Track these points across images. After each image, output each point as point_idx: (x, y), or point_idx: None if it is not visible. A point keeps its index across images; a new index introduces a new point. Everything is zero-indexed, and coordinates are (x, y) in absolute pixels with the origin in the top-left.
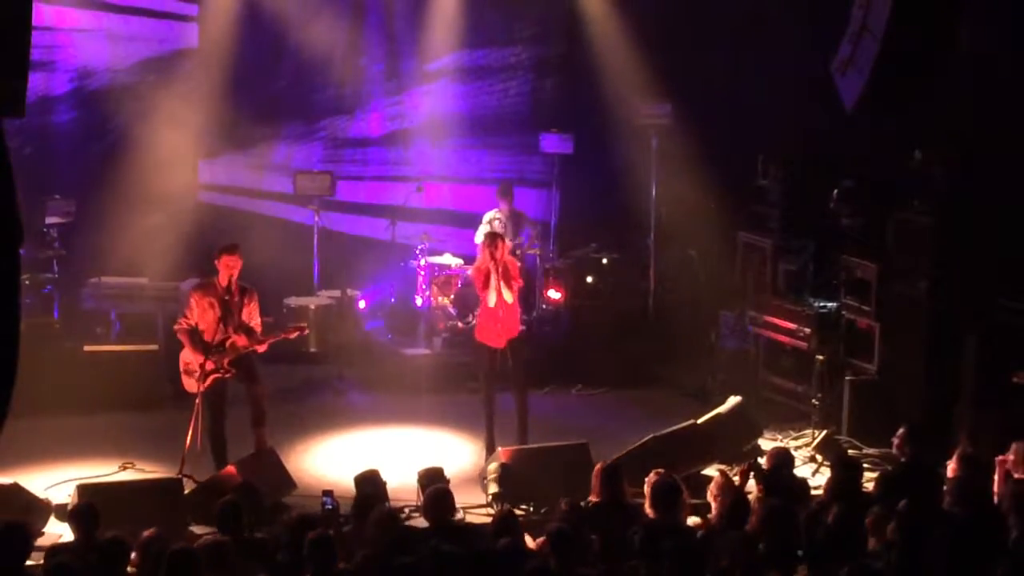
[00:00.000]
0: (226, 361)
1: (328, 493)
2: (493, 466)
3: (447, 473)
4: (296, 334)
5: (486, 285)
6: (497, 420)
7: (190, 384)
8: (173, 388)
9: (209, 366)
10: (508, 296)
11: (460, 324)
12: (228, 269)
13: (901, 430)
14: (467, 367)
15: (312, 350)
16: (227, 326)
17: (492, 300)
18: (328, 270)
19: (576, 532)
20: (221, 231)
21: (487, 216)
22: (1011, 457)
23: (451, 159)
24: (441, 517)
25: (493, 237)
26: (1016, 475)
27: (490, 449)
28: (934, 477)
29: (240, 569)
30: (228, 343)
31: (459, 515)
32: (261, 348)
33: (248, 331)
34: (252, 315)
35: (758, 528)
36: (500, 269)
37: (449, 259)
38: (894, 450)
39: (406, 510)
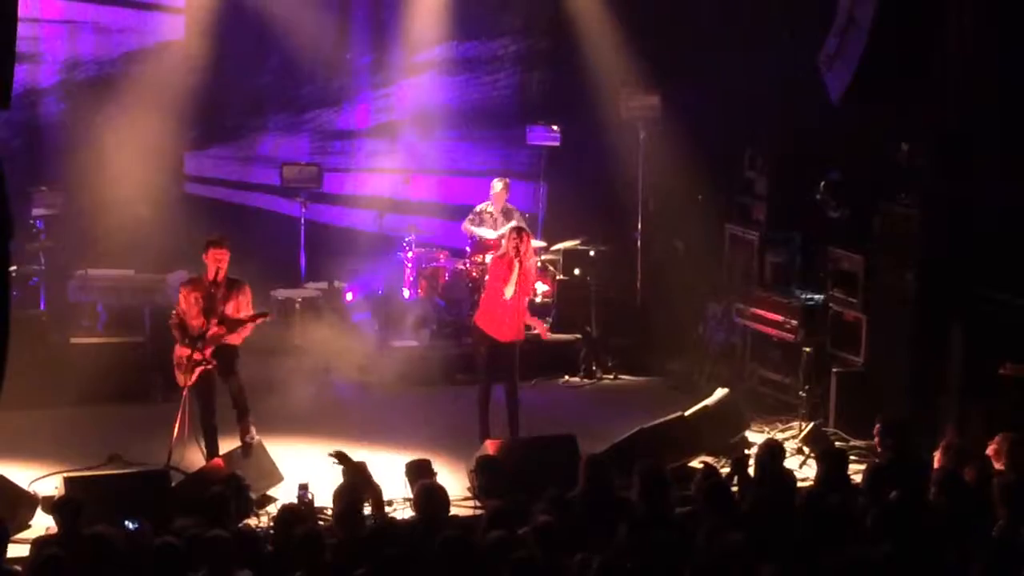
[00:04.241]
0: (207, 352)
1: (304, 487)
2: (480, 458)
3: (435, 465)
4: (260, 320)
5: (506, 277)
6: (490, 412)
7: (180, 378)
8: (160, 380)
9: (195, 357)
10: (509, 292)
11: (449, 317)
12: (215, 262)
13: (877, 424)
14: (455, 359)
15: (298, 342)
16: (209, 319)
17: (509, 293)
18: (315, 262)
19: (562, 523)
20: (207, 223)
21: (479, 208)
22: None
23: (438, 151)
24: (432, 510)
25: (520, 231)
26: (997, 465)
27: (484, 440)
28: (921, 468)
29: (227, 562)
30: (209, 334)
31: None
32: (237, 340)
33: (229, 323)
34: (240, 308)
35: (746, 518)
36: (522, 264)
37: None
38: (876, 446)
39: (393, 503)
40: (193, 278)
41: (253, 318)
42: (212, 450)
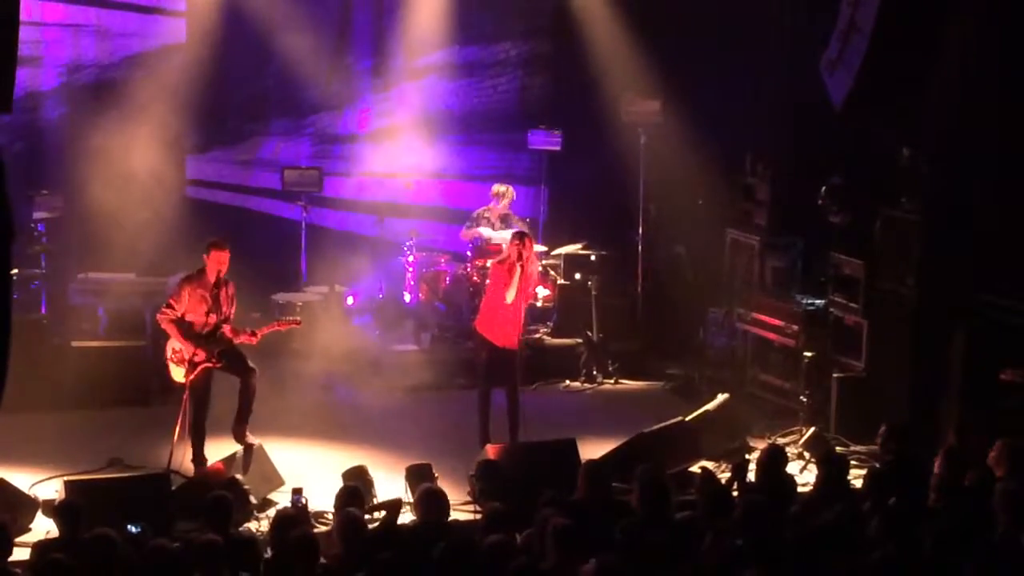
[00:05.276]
0: (216, 351)
1: (297, 491)
2: (480, 462)
3: (435, 470)
4: (288, 327)
5: (507, 282)
6: (490, 417)
7: (177, 374)
8: (160, 383)
9: (200, 356)
10: (510, 296)
11: (449, 321)
12: (216, 264)
13: (883, 428)
14: (455, 364)
15: (298, 346)
16: (216, 318)
17: (510, 297)
18: (316, 266)
19: (579, 527)
20: (208, 227)
21: (475, 214)
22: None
23: (440, 156)
24: (432, 515)
25: (523, 236)
26: (998, 471)
27: (484, 445)
28: (921, 473)
29: (221, 566)
30: (218, 333)
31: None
32: (253, 340)
33: (247, 332)
34: (232, 306)
35: (738, 523)
36: (525, 268)
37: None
38: (878, 449)
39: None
40: (193, 276)
41: (281, 323)
42: (198, 450)
